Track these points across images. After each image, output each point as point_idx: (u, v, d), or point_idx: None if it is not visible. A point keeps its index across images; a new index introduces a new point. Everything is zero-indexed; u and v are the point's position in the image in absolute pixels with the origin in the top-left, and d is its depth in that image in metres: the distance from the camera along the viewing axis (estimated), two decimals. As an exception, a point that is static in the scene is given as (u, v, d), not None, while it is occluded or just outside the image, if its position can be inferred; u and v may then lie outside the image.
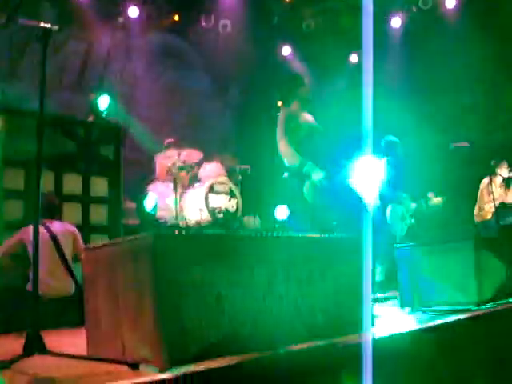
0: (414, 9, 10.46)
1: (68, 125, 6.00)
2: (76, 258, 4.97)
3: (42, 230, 4.75)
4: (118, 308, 2.78)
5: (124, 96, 9.65)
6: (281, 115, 4.66)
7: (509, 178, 7.70)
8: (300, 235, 3.59)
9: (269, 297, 2.97)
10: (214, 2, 9.88)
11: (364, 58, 6.16)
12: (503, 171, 7.68)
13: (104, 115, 6.71)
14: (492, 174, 7.56)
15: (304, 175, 4.46)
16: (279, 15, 10.97)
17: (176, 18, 10.28)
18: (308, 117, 4.82)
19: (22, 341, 2.68)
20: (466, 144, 6.88)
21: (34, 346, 2.63)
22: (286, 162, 4.61)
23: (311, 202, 4.42)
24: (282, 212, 8.33)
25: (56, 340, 3.04)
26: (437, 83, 10.22)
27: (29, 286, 4.61)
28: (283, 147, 4.54)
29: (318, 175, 4.40)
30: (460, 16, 9.98)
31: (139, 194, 7.47)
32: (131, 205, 7.46)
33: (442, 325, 3.71)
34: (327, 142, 4.81)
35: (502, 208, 7.50)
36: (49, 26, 3.16)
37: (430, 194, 6.96)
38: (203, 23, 10.16)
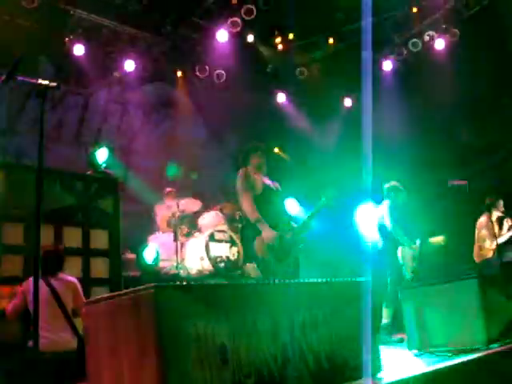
0: (405, 52, 10.65)
1: (67, 179, 6.02)
2: (75, 313, 4.91)
3: (41, 285, 4.70)
4: (120, 361, 2.73)
5: (122, 148, 9.73)
6: (240, 173, 5.09)
7: (502, 217, 7.70)
8: (302, 281, 3.56)
9: (273, 345, 2.92)
10: (208, 52, 10.06)
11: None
12: (499, 209, 7.68)
13: (102, 168, 6.74)
14: (488, 211, 7.56)
15: (257, 231, 4.81)
16: (273, 63, 11.16)
17: (179, 74, 10.47)
18: (264, 179, 5.22)
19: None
20: (463, 182, 6.90)
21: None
22: (246, 215, 4.97)
23: (260, 256, 4.78)
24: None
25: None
26: (431, 123, 10.35)
27: (30, 343, 4.55)
28: (245, 202, 4.94)
29: (267, 233, 4.73)
30: (450, 57, 10.16)
31: (139, 246, 7.44)
32: (131, 256, 7.43)
33: (451, 367, 3.64)
34: (281, 201, 5.32)
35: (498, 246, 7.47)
36: (47, 82, 3.22)
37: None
38: (198, 73, 10.32)
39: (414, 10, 9.95)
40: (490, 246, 7.68)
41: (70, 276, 5.14)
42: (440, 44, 10.24)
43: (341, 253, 9.87)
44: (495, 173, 9.77)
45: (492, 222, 7.18)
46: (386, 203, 6.89)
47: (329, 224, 8.73)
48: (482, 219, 7.83)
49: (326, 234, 9.39)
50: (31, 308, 4.09)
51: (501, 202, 7.72)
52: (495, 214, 7.68)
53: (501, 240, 7.71)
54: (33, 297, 2.82)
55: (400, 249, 6.57)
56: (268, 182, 5.23)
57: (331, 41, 10.74)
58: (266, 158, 5.32)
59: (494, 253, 7.58)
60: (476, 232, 7.93)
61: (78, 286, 5.09)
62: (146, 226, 8.30)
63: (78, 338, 4.83)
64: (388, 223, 6.70)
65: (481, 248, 7.83)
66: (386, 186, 7.05)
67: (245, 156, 5.27)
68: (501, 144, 10.12)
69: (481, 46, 9.74)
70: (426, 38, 10.25)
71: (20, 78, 3.19)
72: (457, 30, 10.01)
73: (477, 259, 7.90)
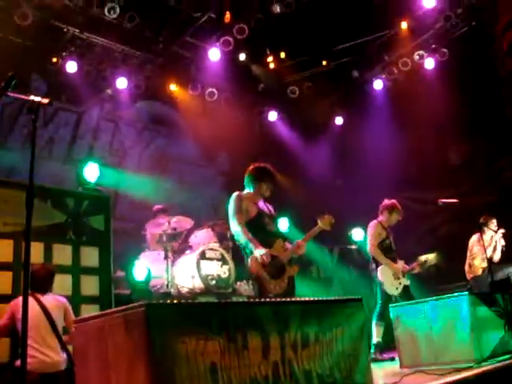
0: (395, 71, 10.76)
1: (57, 196, 6.00)
2: (65, 331, 4.86)
3: (32, 302, 4.64)
4: (109, 380, 2.71)
5: (114, 165, 9.72)
6: (236, 197, 5.08)
7: (495, 237, 7.77)
8: (294, 300, 3.55)
9: (264, 364, 2.91)
10: (201, 70, 10.11)
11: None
12: (492, 228, 7.73)
13: (93, 185, 6.72)
14: (480, 230, 7.59)
15: (250, 250, 4.87)
16: (264, 82, 11.23)
17: (171, 91, 10.47)
18: (259, 204, 5.22)
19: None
20: (454, 200, 6.94)
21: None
22: (237, 237, 5.01)
23: (255, 274, 4.84)
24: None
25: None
26: (422, 141, 10.43)
27: (17, 363, 4.47)
28: (234, 226, 4.97)
29: (260, 251, 4.76)
30: (440, 76, 10.27)
31: (130, 263, 7.40)
32: (122, 274, 7.38)
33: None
34: (275, 224, 5.38)
35: (491, 264, 7.51)
36: (39, 98, 3.22)
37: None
38: (190, 91, 10.36)
39: (404, 29, 10.07)
40: (480, 264, 7.71)
41: (59, 296, 5.10)
42: (430, 63, 10.37)
43: (333, 271, 9.88)
44: (484, 192, 9.83)
45: (483, 240, 7.21)
46: (373, 223, 6.88)
47: (321, 243, 8.76)
48: (475, 237, 7.86)
49: (320, 253, 9.42)
50: (20, 326, 4.04)
51: (494, 221, 7.77)
52: (489, 234, 7.74)
53: (489, 252, 7.72)
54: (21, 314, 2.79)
55: (380, 267, 6.56)
56: (263, 206, 5.24)
57: (322, 60, 10.84)
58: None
59: (483, 271, 7.61)
60: (468, 250, 7.96)
61: (69, 305, 5.05)
62: (136, 244, 8.26)
63: (68, 357, 4.77)
64: (369, 243, 6.72)
65: (471, 265, 7.87)
66: (384, 203, 7.02)
67: (253, 179, 5.22)
68: (489, 163, 10.21)
69: (470, 66, 9.86)
70: (416, 57, 10.38)
71: (12, 95, 3.19)
72: (446, 50, 10.14)
73: (468, 276, 7.93)
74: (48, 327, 4.74)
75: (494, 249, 7.77)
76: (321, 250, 9.53)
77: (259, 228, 5.01)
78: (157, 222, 7.79)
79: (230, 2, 9.03)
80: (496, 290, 6.22)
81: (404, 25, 9.99)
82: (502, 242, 7.77)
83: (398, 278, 6.60)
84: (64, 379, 4.58)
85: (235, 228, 4.96)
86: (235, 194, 5.11)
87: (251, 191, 5.21)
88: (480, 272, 7.71)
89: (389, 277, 6.55)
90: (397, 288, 6.54)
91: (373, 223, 6.86)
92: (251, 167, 5.31)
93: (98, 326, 2.90)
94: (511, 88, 9.68)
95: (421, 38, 10.21)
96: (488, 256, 7.53)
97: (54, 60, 8.79)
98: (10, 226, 5.30)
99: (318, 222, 5.25)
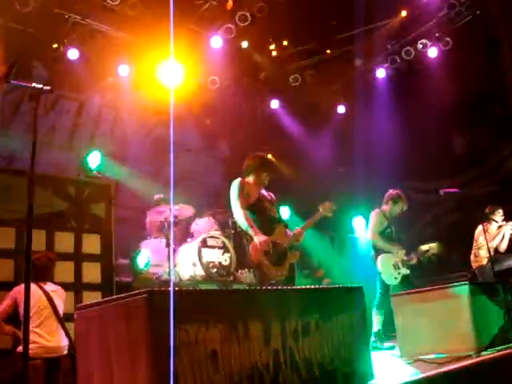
0: (398, 59, 10.71)
1: (59, 184, 6.01)
2: (67, 319, 4.89)
3: (35, 289, 4.68)
4: (111, 367, 2.72)
5: (115, 154, 9.70)
6: (238, 182, 5.11)
7: (501, 226, 7.77)
8: (295, 288, 3.56)
9: (265, 352, 2.92)
10: (203, 57, 10.04)
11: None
12: (498, 218, 7.73)
13: (95, 173, 6.73)
14: (486, 220, 7.58)
15: (250, 236, 4.88)
16: (267, 70, 11.18)
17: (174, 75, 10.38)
18: (261, 191, 5.25)
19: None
20: (455, 190, 6.93)
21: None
22: (239, 223, 5.03)
23: (256, 262, 4.82)
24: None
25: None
26: (424, 130, 10.40)
27: (19, 348, 4.50)
28: (237, 210, 4.98)
29: (260, 238, 4.77)
30: (443, 65, 10.22)
31: (132, 251, 7.41)
32: (124, 261, 7.40)
33: (443, 374, 3.64)
34: (276, 211, 5.37)
35: (496, 253, 7.53)
36: (40, 86, 3.21)
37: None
38: (192, 79, 10.30)
39: (407, 18, 10.01)
40: (485, 254, 7.71)
41: (59, 286, 5.12)
42: (433, 52, 10.31)
43: (334, 260, 9.89)
44: (487, 182, 9.82)
45: (485, 230, 7.21)
46: (375, 211, 6.87)
47: (322, 231, 8.76)
48: (480, 227, 7.85)
49: (320, 241, 9.42)
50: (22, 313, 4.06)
51: (500, 211, 7.77)
52: (495, 224, 7.74)
53: (496, 242, 7.73)
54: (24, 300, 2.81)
55: (380, 256, 6.56)
56: (264, 192, 5.26)
57: (325, 48, 10.78)
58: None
59: (488, 261, 7.61)
60: (474, 239, 7.96)
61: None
62: (138, 232, 8.27)
63: (70, 343, 4.81)
64: (370, 230, 6.71)
65: (476, 255, 7.87)
66: (389, 192, 7.00)
67: (254, 168, 5.23)
68: (492, 153, 10.19)
69: (473, 56, 9.81)
70: (419, 46, 10.32)
71: (14, 82, 3.19)
72: (449, 39, 10.08)
73: (473, 266, 7.94)
74: (51, 313, 4.78)
75: (502, 239, 7.77)
76: (321, 239, 9.53)
77: (260, 213, 5.05)
78: (158, 209, 7.79)
79: (233, -10, 8.99)
80: (499, 280, 6.23)
81: (406, 13, 9.94)
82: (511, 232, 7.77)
83: (398, 268, 6.60)
84: (66, 364, 4.63)
85: (237, 213, 4.98)
86: (237, 179, 5.14)
87: (251, 180, 5.23)
88: (485, 262, 7.70)
89: (388, 266, 6.55)
90: (395, 278, 6.54)
91: (375, 211, 6.85)
92: (250, 156, 5.33)
93: (99, 313, 2.91)
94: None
95: (424, 26, 10.15)
96: (495, 246, 7.55)
97: (56, 47, 8.75)
98: (12, 213, 5.32)
99: (320, 208, 5.31)
